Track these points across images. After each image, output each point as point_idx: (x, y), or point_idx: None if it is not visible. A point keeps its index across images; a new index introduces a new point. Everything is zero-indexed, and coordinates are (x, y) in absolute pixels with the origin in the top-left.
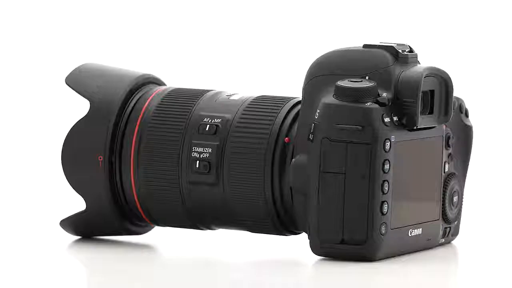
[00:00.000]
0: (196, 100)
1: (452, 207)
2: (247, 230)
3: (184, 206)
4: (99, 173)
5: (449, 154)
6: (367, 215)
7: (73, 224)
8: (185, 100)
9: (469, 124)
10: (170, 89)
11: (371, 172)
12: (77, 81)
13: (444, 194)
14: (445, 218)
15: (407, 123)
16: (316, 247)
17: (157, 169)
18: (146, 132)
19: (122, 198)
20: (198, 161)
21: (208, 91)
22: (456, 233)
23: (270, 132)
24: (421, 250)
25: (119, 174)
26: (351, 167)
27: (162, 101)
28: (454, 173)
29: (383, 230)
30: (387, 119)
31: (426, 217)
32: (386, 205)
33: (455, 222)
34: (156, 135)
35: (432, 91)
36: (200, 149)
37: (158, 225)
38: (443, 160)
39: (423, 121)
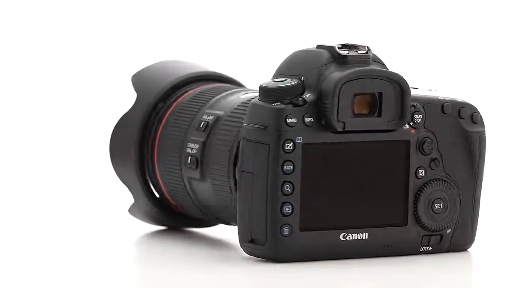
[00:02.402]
0: (211, 99)
1: (433, 214)
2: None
3: (193, 202)
4: (131, 166)
5: (434, 159)
6: (266, 216)
7: (136, 214)
8: (202, 98)
9: (474, 130)
10: (207, 87)
11: (270, 173)
12: (140, 75)
13: (416, 200)
14: (421, 225)
15: (327, 125)
16: (240, 245)
17: (167, 164)
18: (166, 129)
19: (157, 191)
20: (189, 157)
21: (236, 90)
22: (460, 242)
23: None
24: (377, 256)
25: (152, 168)
26: (256, 167)
27: (188, 99)
28: (440, 180)
29: (285, 231)
30: (292, 120)
31: (378, 221)
32: (290, 206)
33: (447, 231)
34: (168, 132)
35: (380, 94)
36: (192, 145)
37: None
38: (414, 165)
39: (365, 124)
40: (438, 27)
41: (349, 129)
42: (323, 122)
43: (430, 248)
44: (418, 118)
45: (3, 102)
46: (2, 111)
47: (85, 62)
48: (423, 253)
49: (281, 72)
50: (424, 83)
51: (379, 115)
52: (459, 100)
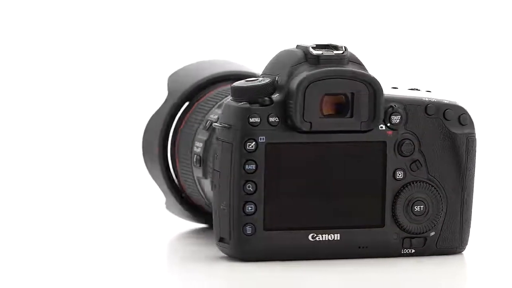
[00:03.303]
0: (222, 98)
1: (414, 216)
2: None
3: (204, 200)
4: (157, 164)
5: (415, 161)
6: (230, 215)
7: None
8: (217, 98)
9: (460, 132)
10: (226, 87)
11: (233, 172)
12: (175, 75)
13: (394, 202)
14: (400, 227)
15: (292, 125)
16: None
17: (183, 163)
18: (185, 128)
19: (181, 190)
20: (195, 156)
21: None
22: (448, 245)
23: None
24: (352, 257)
25: (174, 167)
26: (222, 166)
27: (206, 99)
28: (422, 182)
29: (248, 230)
30: (255, 119)
31: (352, 222)
32: (252, 205)
33: (430, 233)
34: (185, 131)
35: (352, 94)
36: (197, 144)
37: None
38: (392, 167)
39: (336, 124)
40: (437, 27)
41: (317, 130)
42: (289, 122)
43: (413, 251)
44: (395, 119)
45: (39, 102)
46: (40, 110)
47: (135, 61)
48: (405, 256)
49: (265, 71)
50: (424, 84)
51: (351, 116)
52: (445, 101)
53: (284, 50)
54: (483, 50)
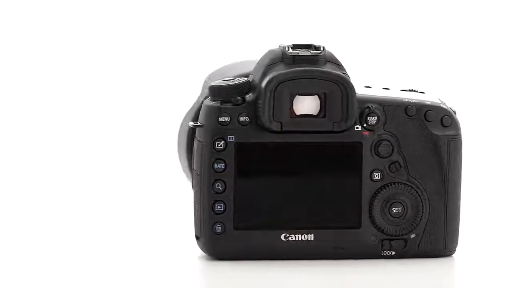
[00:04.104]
0: None
1: (392, 218)
2: None
3: None
4: (185, 161)
5: (394, 162)
6: (200, 213)
7: None
8: None
9: (442, 133)
10: None
11: (203, 171)
12: (211, 76)
13: (371, 203)
14: (378, 228)
15: (262, 125)
16: None
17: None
18: None
19: None
20: None
21: None
22: (431, 248)
23: None
24: (328, 258)
25: None
26: (197, 165)
27: None
28: (401, 183)
29: (218, 229)
30: (224, 119)
31: (326, 223)
32: (222, 204)
33: (411, 236)
34: None
35: (325, 94)
36: None
37: None
38: (369, 168)
39: (308, 124)
40: (437, 27)
41: (288, 130)
42: (259, 122)
43: (394, 253)
44: (372, 119)
45: (80, 100)
46: (81, 109)
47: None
48: (386, 258)
49: (251, 71)
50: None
51: (324, 116)
52: (427, 102)
53: (269, 50)
54: (483, 51)
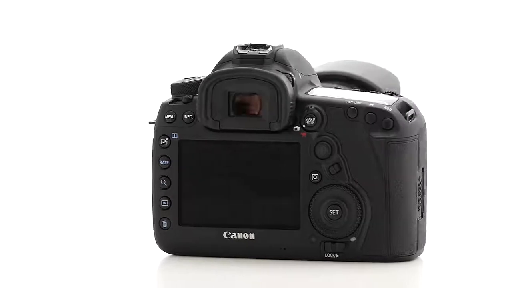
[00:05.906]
0: None
1: (330, 220)
2: None
3: None
4: None
5: (333, 164)
6: (152, 208)
7: None
8: None
9: (380, 136)
10: None
11: (152, 166)
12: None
13: (310, 205)
14: (317, 230)
15: (201, 123)
16: None
17: None
18: None
19: None
20: None
21: None
22: (374, 252)
23: None
24: (270, 258)
25: None
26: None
27: None
28: (340, 186)
29: (164, 224)
30: (169, 116)
31: (266, 223)
32: (167, 200)
33: (351, 239)
34: None
35: (262, 94)
36: None
37: None
38: (307, 169)
39: (245, 124)
40: (437, 28)
41: (226, 128)
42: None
43: (337, 256)
44: (310, 120)
45: (79, 100)
46: (79, 109)
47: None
48: (329, 260)
49: None
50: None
51: (261, 116)
52: (369, 104)
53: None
54: (482, 51)
